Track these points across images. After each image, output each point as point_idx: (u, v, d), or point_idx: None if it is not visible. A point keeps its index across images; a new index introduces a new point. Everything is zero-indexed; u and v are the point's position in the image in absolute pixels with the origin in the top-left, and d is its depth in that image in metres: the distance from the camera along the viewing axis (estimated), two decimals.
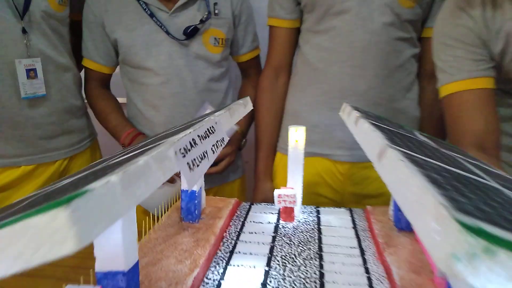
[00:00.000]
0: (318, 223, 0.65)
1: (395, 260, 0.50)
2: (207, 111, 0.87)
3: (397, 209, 0.59)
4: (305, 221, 0.66)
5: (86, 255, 0.32)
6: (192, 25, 0.89)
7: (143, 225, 0.57)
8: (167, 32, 0.88)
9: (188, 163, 0.28)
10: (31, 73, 0.81)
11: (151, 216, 0.60)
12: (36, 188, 0.86)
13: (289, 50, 0.93)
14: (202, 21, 0.90)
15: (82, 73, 1.00)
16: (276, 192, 0.64)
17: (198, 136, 0.31)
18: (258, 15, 1.07)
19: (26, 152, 0.84)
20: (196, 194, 0.60)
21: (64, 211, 0.16)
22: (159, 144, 0.26)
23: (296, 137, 0.64)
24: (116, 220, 0.18)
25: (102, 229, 0.17)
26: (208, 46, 0.93)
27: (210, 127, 0.35)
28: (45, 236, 0.16)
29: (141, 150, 0.26)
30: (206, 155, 0.31)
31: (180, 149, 0.27)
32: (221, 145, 0.36)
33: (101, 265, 0.38)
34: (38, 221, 0.16)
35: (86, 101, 1.01)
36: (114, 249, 0.37)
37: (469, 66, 0.65)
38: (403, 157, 0.26)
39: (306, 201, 0.87)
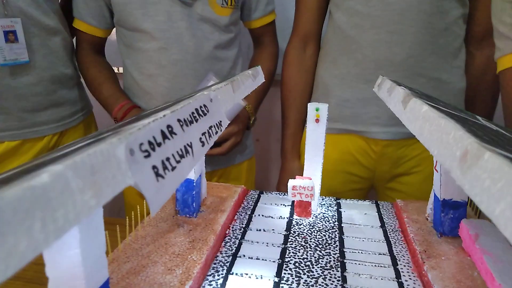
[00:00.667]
0: (339, 220, 0.55)
1: (439, 276, 0.40)
2: (211, 83, 0.75)
3: (439, 208, 0.48)
4: (324, 216, 0.56)
5: None
6: None
7: (138, 210, 0.47)
8: None
9: (154, 168, 0.17)
10: (10, 35, 0.71)
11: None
12: None
13: (318, 16, 0.83)
14: None
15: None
16: (291, 183, 0.53)
17: (179, 121, 0.20)
18: None
19: (9, 126, 0.75)
20: (194, 184, 0.50)
21: None
22: (108, 135, 0.16)
23: (316, 116, 0.53)
24: None
25: None
26: (215, 7, 0.80)
27: (201, 107, 0.24)
28: None
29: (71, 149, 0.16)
30: (190, 149, 0.21)
31: (140, 145, 0.16)
32: (216, 132, 0.25)
33: (56, 287, 0.28)
34: None
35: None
36: (71, 268, 0.28)
37: None
38: None
39: (334, 180, 0.80)
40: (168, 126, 0.19)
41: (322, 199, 0.61)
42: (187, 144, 0.21)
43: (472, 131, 0.21)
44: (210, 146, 0.24)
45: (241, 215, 0.55)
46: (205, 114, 0.24)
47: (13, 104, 0.74)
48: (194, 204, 0.50)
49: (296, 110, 0.85)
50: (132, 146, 0.16)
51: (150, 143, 0.17)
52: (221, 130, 0.27)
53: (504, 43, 0.55)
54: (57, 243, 0.23)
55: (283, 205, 0.59)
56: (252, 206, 0.58)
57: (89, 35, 0.84)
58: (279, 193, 0.63)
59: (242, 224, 0.53)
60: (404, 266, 0.44)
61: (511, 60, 0.55)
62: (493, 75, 0.75)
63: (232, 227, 0.52)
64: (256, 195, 0.62)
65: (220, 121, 0.27)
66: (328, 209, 0.58)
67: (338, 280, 0.42)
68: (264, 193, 0.63)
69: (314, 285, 0.41)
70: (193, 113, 0.23)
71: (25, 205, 0.10)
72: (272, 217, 0.55)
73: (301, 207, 0.55)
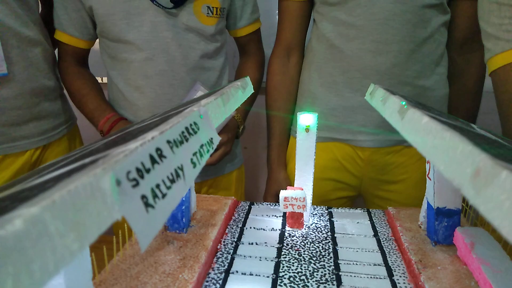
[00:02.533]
0: (332, 230, 0.54)
1: (436, 287, 0.39)
2: (199, 93, 0.74)
3: (433, 217, 0.47)
4: (316, 227, 0.55)
5: None
6: None
7: (125, 227, 0.45)
8: None
9: (144, 197, 0.15)
10: None
11: None
12: (3, 182, 0.75)
13: (302, 26, 0.82)
14: None
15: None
16: (282, 194, 0.52)
17: (168, 142, 0.19)
18: None
19: None
20: (184, 198, 0.48)
21: None
22: (90, 161, 0.14)
23: (306, 125, 0.52)
24: None
25: None
26: (200, 16, 0.79)
27: (191, 125, 0.23)
28: None
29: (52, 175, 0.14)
30: (181, 173, 0.19)
31: (128, 173, 0.15)
32: (207, 151, 0.24)
33: None
34: None
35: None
36: None
37: None
38: None
39: (320, 188, 0.78)
40: (157, 149, 0.18)
41: (314, 208, 0.61)
42: (178, 167, 0.19)
43: (478, 144, 0.21)
44: (202, 167, 0.23)
45: (232, 228, 0.54)
46: (195, 132, 0.23)
47: None
48: (183, 219, 0.49)
49: (281, 120, 0.84)
50: (119, 176, 0.15)
51: (138, 170, 0.16)
52: (213, 148, 0.25)
53: (493, 43, 0.56)
54: None
55: (275, 216, 0.58)
56: (243, 219, 0.57)
57: (71, 47, 0.82)
58: (270, 204, 0.62)
59: (234, 238, 0.52)
60: (400, 277, 0.44)
61: (502, 59, 0.55)
62: (475, 80, 0.77)
63: (224, 242, 0.51)
64: (247, 207, 0.61)
65: (211, 138, 0.25)
66: (320, 219, 0.57)
67: None
68: (255, 204, 0.62)
69: None
70: (183, 132, 0.21)
71: None
72: (264, 229, 0.54)
73: (293, 218, 0.54)
